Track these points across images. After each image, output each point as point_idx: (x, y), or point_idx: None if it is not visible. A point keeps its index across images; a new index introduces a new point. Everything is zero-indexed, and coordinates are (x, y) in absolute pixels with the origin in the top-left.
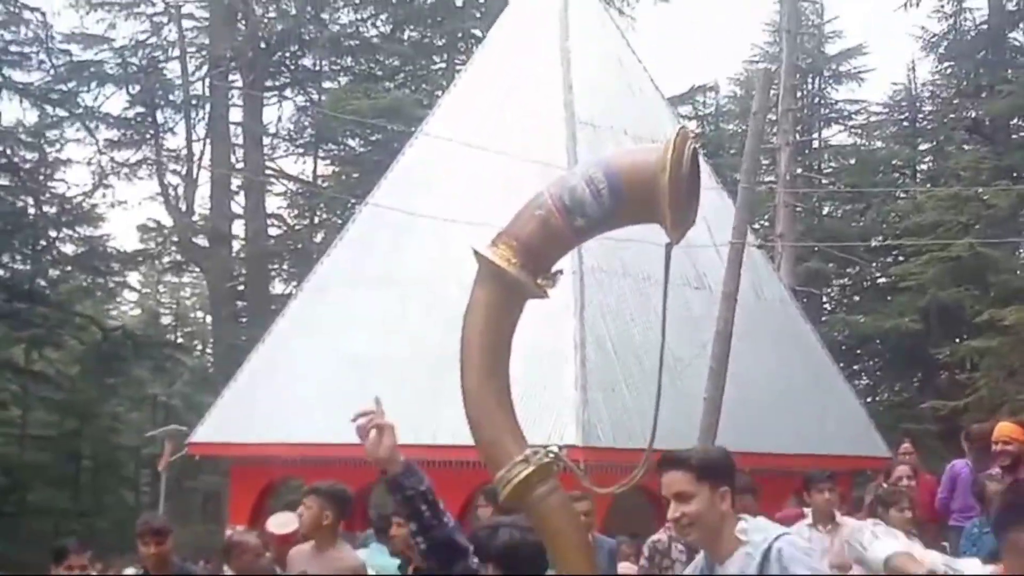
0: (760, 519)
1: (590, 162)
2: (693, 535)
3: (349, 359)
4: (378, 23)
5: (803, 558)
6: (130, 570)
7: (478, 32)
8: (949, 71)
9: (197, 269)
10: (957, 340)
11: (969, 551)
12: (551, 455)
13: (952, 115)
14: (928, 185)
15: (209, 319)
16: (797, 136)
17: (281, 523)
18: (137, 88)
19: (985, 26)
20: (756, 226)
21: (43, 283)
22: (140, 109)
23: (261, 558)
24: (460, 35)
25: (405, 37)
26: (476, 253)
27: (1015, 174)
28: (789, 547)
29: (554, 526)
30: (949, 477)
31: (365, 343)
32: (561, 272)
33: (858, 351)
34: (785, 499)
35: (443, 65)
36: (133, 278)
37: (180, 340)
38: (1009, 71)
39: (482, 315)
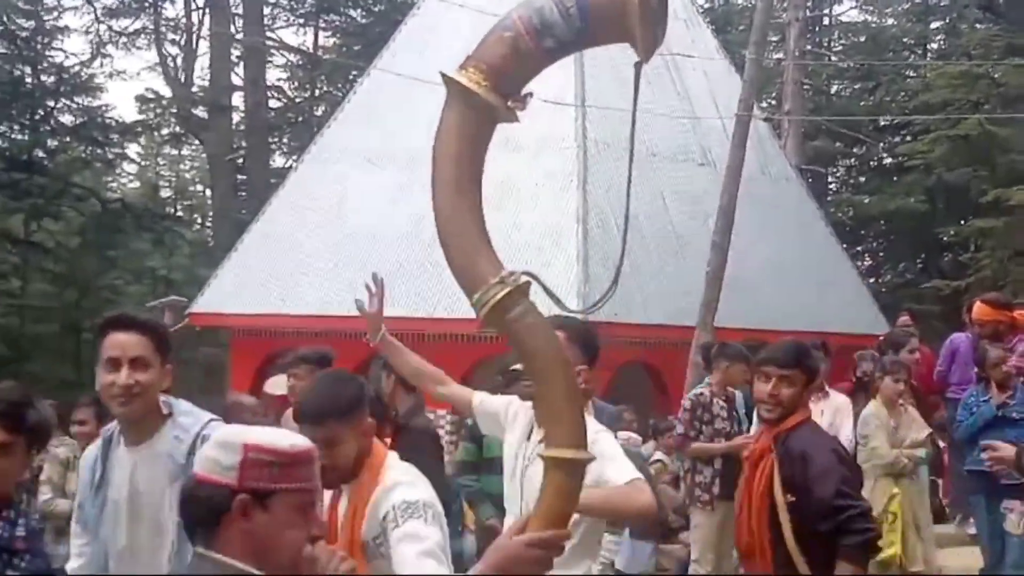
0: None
1: None
2: None
3: (349, 232)
4: None
5: None
6: None
7: None
8: None
9: (196, 141)
10: (962, 221)
11: (966, 420)
12: (525, 277)
13: None
14: (939, 63)
15: (208, 192)
16: (807, 12)
17: (277, 384)
18: None
19: None
20: (764, 104)
21: (42, 153)
22: None
23: (258, 417)
24: None
25: None
26: (445, 77)
27: None
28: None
29: (532, 345)
30: (948, 350)
31: (365, 216)
32: (531, 94)
33: (862, 231)
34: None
35: None
36: (132, 150)
37: (179, 213)
38: None
39: (453, 138)
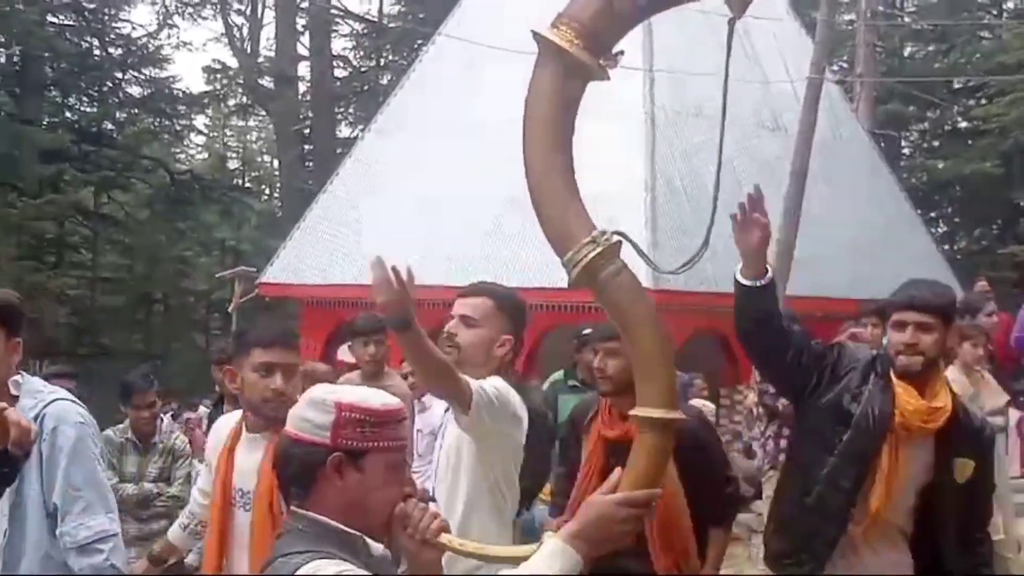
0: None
1: None
2: None
3: (416, 201)
4: None
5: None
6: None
7: None
8: None
9: (263, 112)
10: None
11: None
12: (617, 236)
13: None
14: (1016, 23)
15: (276, 163)
16: None
17: (348, 351)
18: None
19: None
20: (835, 67)
21: (110, 126)
22: None
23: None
24: None
25: None
26: (536, 35)
27: None
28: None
29: (626, 304)
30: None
31: (433, 185)
32: (623, 52)
33: (936, 196)
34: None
35: None
36: (200, 121)
37: (247, 184)
38: None
39: (545, 98)
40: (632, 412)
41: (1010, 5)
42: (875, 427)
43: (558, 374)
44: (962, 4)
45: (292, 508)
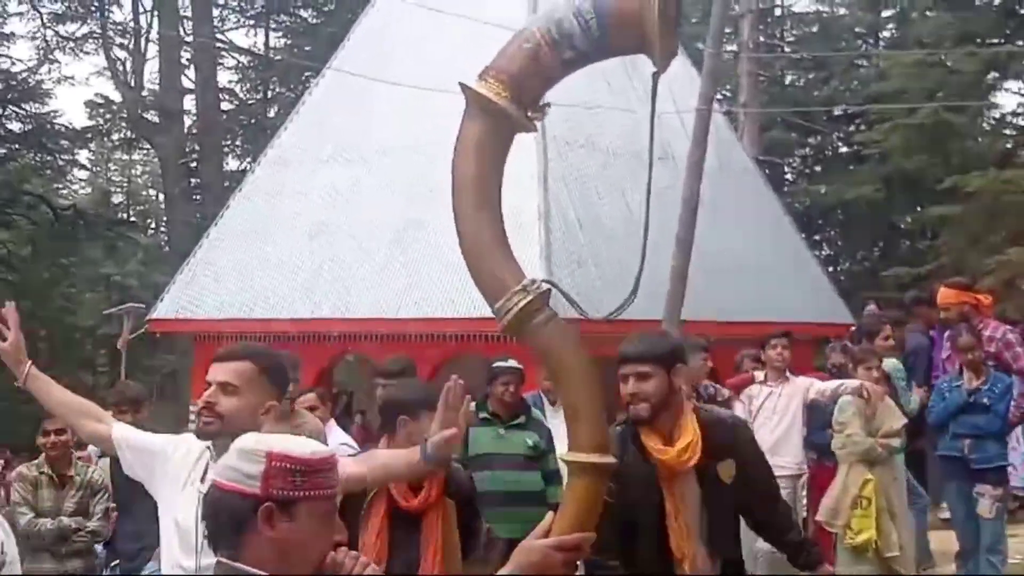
0: None
1: None
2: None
3: (308, 233)
4: None
5: None
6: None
7: None
8: None
9: (148, 146)
10: (919, 208)
11: (939, 405)
12: (547, 284)
13: None
14: (892, 52)
15: (162, 197)
16: (760, 3)
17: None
18: None
19: None
20: (719, 96)
21: None
22: None
23: None
24: None
25: None
26: (465, 87)
27: (979, 39)
28: None
29: (557, 350)
30: (912, 344)
31: (325, 216)
32: (549, 104)
33: (820, 220)
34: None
35: None
36: (83, 156)
37: (133, 218)
38: None
39: (473, 149)
40: (564, 456)
41: (886, 34)
42: (642, 482)
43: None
44: (840, 33)
45: (219, 559)
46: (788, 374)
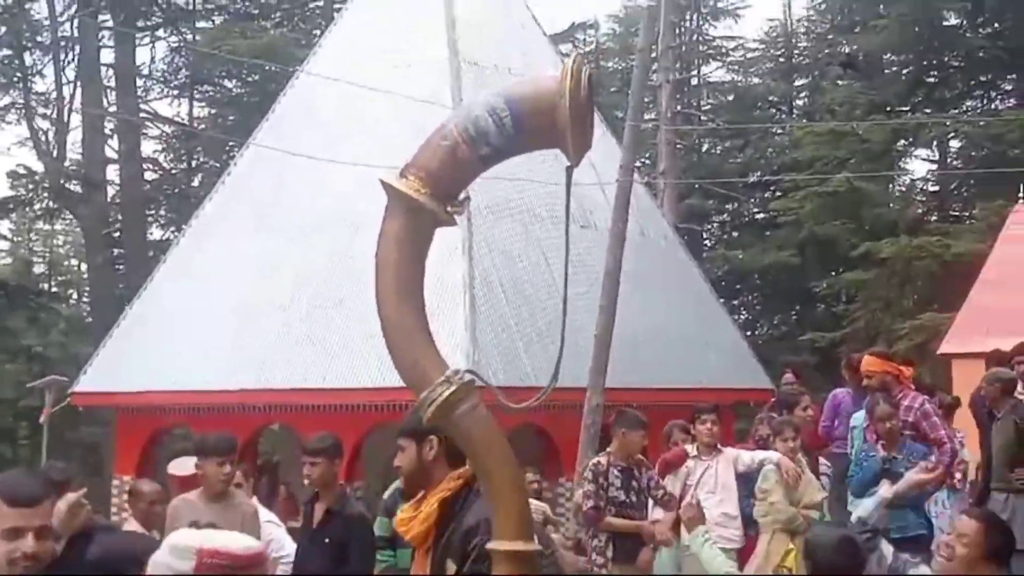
0: None
1: (492, 92)
2: None
3: (232, 304)
4: None
5: None
6: None
7: None
8: (823, 6)
9: (70, 216)
10: (834, 273)
11: (856, 474)
12: (470, 375)
13: (827, 51)
14: (804, 120)
15: (84, 267)
16: (677, 73)
17: (182, 465)
18: (3, 30)
19: None
20: (638, 163)
21: None
22: (7, 52)
23: (157, 505)
24: None
25: None
26: (385, 184)
27: (889, 108)
28: None
29: (479, 441)
30: (831, 405)
31: (248, 287)
32: (468, 199)
33: (738, 286)
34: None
35: (320, 3)
36: (4, 226)
37: (55, 289)
38: (881, 6)
39: (394, 244)
40: (489, 546)
41: (800, 103)
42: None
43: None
44: (754, 102)
45: None
46: (719, 446)
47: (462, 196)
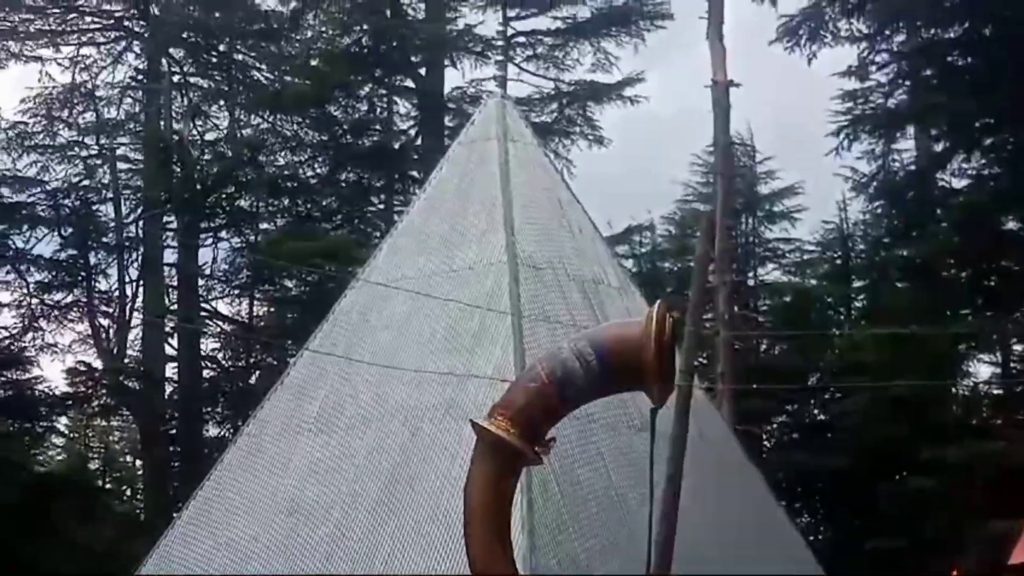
0: None
1: (577, 336)
2: None
3: (288, 505)
4: (315, 164)
5: None
6: None
7: (416, 173)
8: (879, 210)
9: (127, 412)
10: (897, 478)
11: None
12: None
13: (884, 254)
14: (863, 323)
15: (139, 463)
16: (733, 276)
17: None
18: (69, 230)
19: (913, 167)
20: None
21: None
22: (72, 251)
23: None
24: (397, 176)
25: (343, 178)
26: (475, 425)
27: (948, 312)
28: None
29: None
30: None
31: (302, 489)
32: (555, 440)
33: (799, 489)
34: None
35: (381, 206)
36: (61, 422)
37: (109, 485)
38: (938, 211)
39: (483, 485)
40: None
41: (858, 304)
42: None
43: None
44: (813, 304)
45: None
46: None
47: (548, 436)
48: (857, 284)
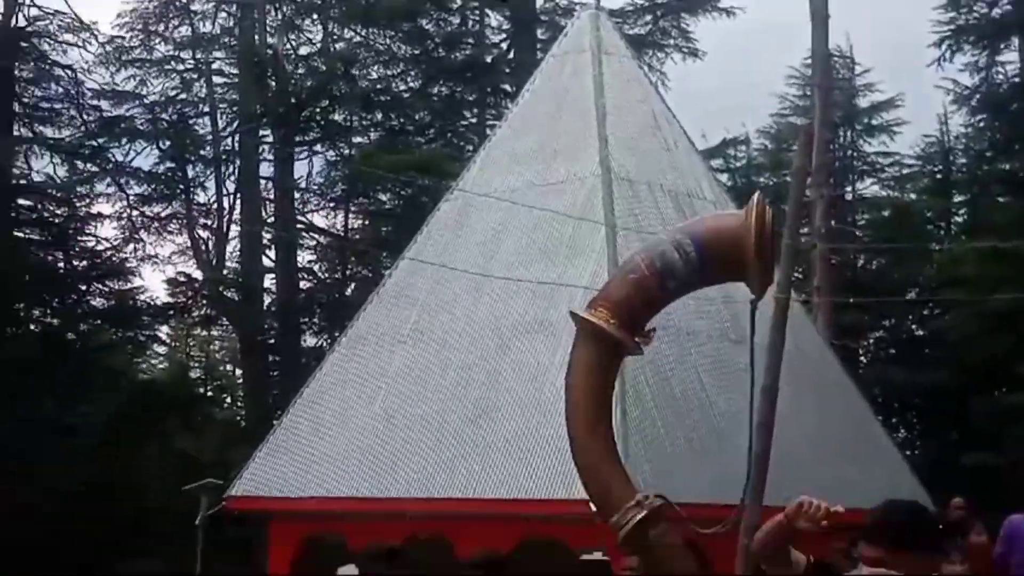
0: None
1: (676, 228)
2: None
3: (384, 413)
4: (408, 79)
5: None
6: None
7: (508, 87)
8: (982, 124)
9: (227, 323)
10: (996, 394)
11: None
12: (661, 499)
13: (986, 167)
14: (963, 237)
15: (239, 372)
16: (831, 190)
17: (349, 571)
18: (167, 143)
19: (1017, 79)
20: (792, 278)
21: (73, 336)
22: (170, 164)
23: None
24: (490, 90)
25: (435, 92)
26: (575, 316)
27: None
28: None
29: (671, 564)
30: (1007, 532)
31: (401, 397)
32: (655, 329)
33: (895, 404)
34: (830, 553)
35: (473, 120)
36: (163, 331)
37: (210, 394)
38: None
39: (584, 373)
40: None
41: (959, 220)
42: None
43: None
44: (911, 219)
45: None
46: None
47: (649, 327)
48: (958, 199)
